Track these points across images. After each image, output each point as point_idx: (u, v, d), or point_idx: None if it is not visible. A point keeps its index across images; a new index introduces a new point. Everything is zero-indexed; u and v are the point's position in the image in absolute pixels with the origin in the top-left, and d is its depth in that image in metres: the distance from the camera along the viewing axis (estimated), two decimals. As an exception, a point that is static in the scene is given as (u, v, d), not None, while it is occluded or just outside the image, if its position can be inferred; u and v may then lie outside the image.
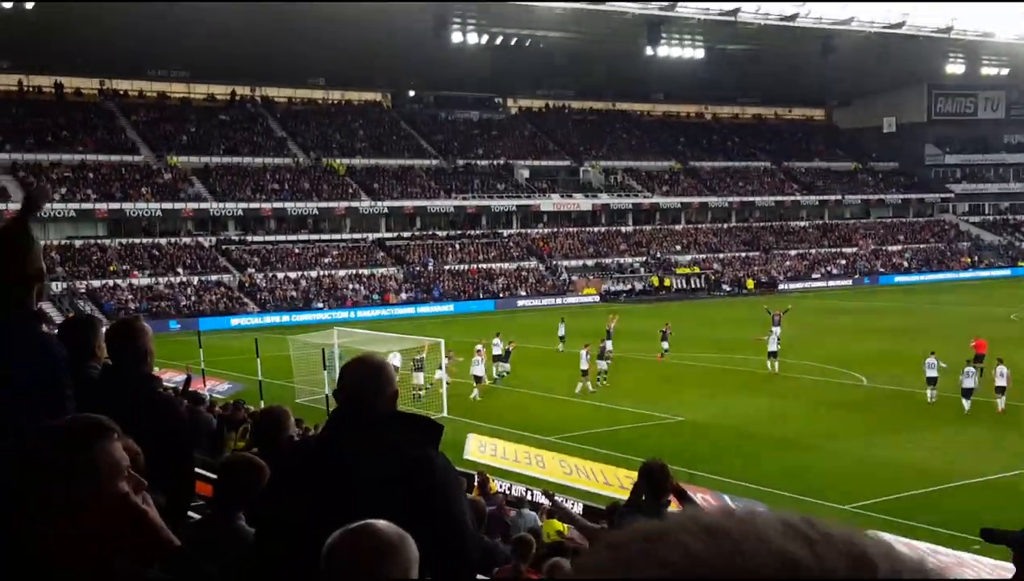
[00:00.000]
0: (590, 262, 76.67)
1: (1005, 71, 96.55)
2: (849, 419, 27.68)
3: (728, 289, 73.58)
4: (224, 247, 67.88)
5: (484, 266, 72.36)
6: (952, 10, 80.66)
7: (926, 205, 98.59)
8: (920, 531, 17.49)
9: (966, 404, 27.81)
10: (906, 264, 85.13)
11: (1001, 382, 27.57)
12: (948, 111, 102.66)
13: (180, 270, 63.80)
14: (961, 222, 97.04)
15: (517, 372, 36.41)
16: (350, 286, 66.18)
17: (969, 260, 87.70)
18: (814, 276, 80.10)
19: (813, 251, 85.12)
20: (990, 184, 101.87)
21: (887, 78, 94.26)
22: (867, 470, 22.22)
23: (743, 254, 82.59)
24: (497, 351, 35.32)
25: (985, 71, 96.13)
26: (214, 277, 63.89)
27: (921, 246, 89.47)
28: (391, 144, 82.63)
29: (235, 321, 58.48)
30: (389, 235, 74.33)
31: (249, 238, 69.62)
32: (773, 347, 35.07)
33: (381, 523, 2.21)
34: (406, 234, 74.95)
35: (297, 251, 68.88)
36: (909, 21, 79.92)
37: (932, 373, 29.04)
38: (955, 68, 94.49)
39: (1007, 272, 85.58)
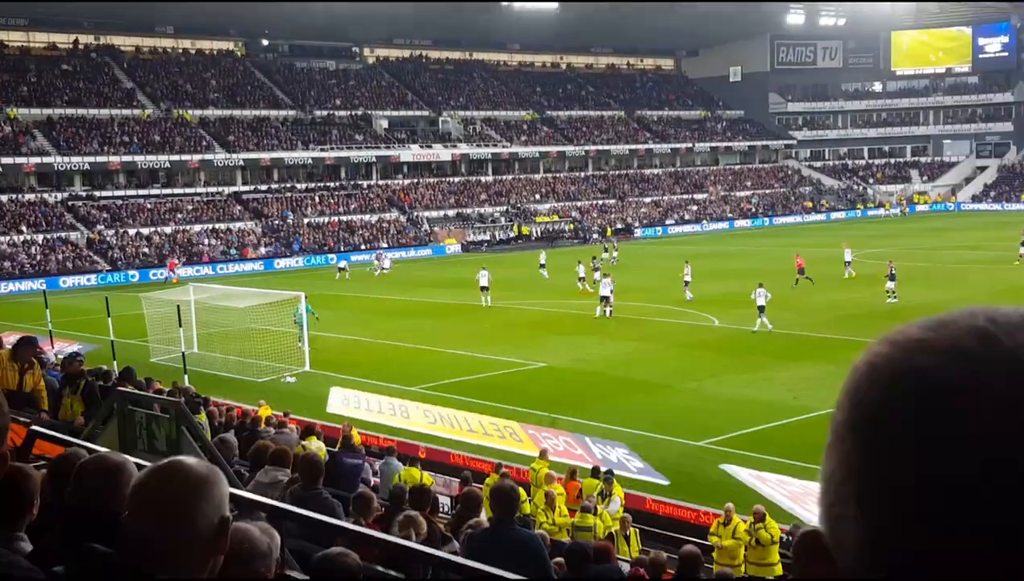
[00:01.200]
0: (451, 212, 77.01)
1: (842, 21, 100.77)
2: (702, 359, 29.00)
3: (597, 236, 74.97)
4: (71, 203, 65.31)
5: (344, 218, 71.83)
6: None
7: (771, 151, 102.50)
8: (769, 463, 18.70)
9: (761, 322, 32.08)
10: (753, 208, 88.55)
11: (761, 302, 32.04)
12: (790, 60, 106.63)
13: (24, 228, 61.16)
14: (803, 167, 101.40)
15: (384, 324, 36.69)
16: (206, 241, 64.77)
17: (810, 204, 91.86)
18: (668, 222, 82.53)
19: (666, 198, 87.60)
20: (830, 130, 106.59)
21: (732, 28, 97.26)
22: (719, 407, 23.42)
23: (600, 202, 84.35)
24: (605, 291, 36.56)
25: (823, 22, 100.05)
26: (61, 235, 61.53)
27: (767, 191, 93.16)
28: (245, 94, 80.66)
29: (85, 279, 56.63)
30: (246, 188, 72.88)
31: (97, 194, 67.15)
32: (605, 292, 36.48)
33: (190, 459, 2.16)
34: (263, 187, 73.62)
35: (149, 206, 66.88)
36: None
37: (761, 302, 32.25)
38: (796, 19, 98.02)
39: (844, 214, 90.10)
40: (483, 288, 40.38)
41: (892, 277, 36.63)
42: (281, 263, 63.82)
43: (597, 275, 41.70)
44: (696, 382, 26.12)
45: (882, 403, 0.73)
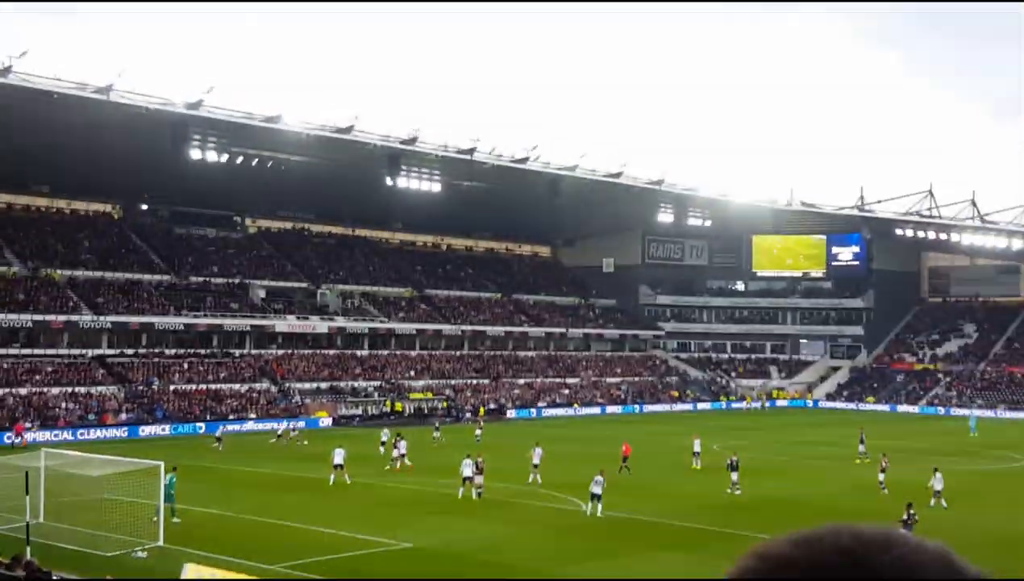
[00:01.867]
0: (324, 384, 76.31)
1: (708, 222, 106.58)
2: (572, 544, 29.10)
3: (470, 415, 75.10)
4: (-79, 358, 62.34)
5: (213, 387, 70.35)
6: (664, 164, 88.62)
7: (640, 340, 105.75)
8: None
9: (589, 507, 32.91)
10: (623, 395, 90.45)
11: (596, 489, 32.84)
12: (660, 255, 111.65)
13: None
14: (670, 358, 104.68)
15: (248, 498, 35.70)
16: (63, 404, 62.33)
17: (677, 393, 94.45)
18: (540, 404, 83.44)
19: (539, 380, 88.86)
20: (695, 323, 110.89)
21: (607, 222, 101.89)
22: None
23: (474, 381, 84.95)
24: (467, 472, 36.63)
25: (691, 221, 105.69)
26: (-94, 390, 58.41)
27: (636, 379, 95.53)
28: (119, 257, 79.52)
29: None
30: (111, 351, 70.92)
31: (-49, 349, 64.34)
32: (467, 472, 36.79)
33: None
34: (130, 351, 71.79)
35: (6, 367, 64.28)
36: (626, 172, 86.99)
37: (596, 489, 33.01)
38: (665, 217, 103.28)
39: (708, 405, 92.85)
40: (337, 466, 39.96)
41: (734, 467, 37.88)
42: (146, 430, 61.74)
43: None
44: (565, 567, 26.13)
45: None
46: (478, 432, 57.96)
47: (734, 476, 37.73)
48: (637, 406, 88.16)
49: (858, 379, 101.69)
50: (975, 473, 46.95)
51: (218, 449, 51.85)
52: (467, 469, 36.78)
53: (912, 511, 29.13)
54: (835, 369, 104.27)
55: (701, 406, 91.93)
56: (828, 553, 0.73)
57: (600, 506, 32.97)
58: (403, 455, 44.56)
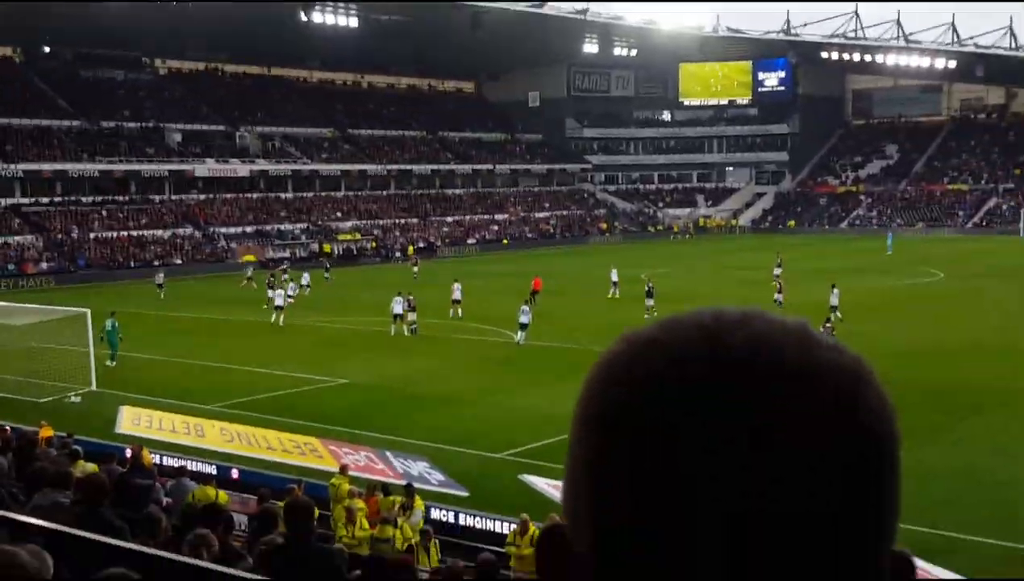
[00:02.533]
0: (249, 229, 75.23)
1: (634, 52, 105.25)
2: (503, 374, 29.60)
3: (399, 255, 74.86)
4: None
5: (135, 233, 68.89)
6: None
7: (568, 175, 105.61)
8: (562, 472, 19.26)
9: (520, 336, 33.75)
10: (552, 229, 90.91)
11: (524, 319, 33.92)
12: (586, 87, 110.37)
13: None
14: (598, 191, 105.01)
15: (179, 342, 35.49)
16: (-20, 256, 60.71)
17: (605, 225, 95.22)
18: (469, 241, 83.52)
19: (468, 217, 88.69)
20: (623, 156, 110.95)
21: (531, 55, 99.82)
22: (519, 419, 23.95)
23: (402, 220, 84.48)
24: (397, 309, 36.64)
25: (617, 51, 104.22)
26: None
27: (564, 213, 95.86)
28: (25, 103, 76.05)
29: None
30: (26, 201, 68.74)
31: None
32: (397, 310, 36.98)
33: (18, 552, 2.07)
34: (45, 200, 69.64)
35: (-84, 219, 62.10)
36: (550, 2, 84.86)
37: (523, 319, 33.93)
38: (591, 48, 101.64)
39: (637, 236, 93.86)
40: (277, 307, 39.98)
41: (649, 294, 39.17)
42: (69, 278, 60.48)
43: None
44: (495, 396, 26.62)
45: (612, 399, 0.77)
46: (415, 270, 57.83)
47: (649, 302, 38.88)
48: (565, 239, 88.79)
49: (782, 204, 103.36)
50: (888, 289, 48.45)
51: (252, 286, 52.17)
52: (397, 306, 36.94)
53: (829, 324, 29.98)
54: (760, 195, 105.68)
55: (629, 237, 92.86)
56: (686, 331, 0.75)
57: (525, 334, 33.69)
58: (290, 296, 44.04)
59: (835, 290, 37.87)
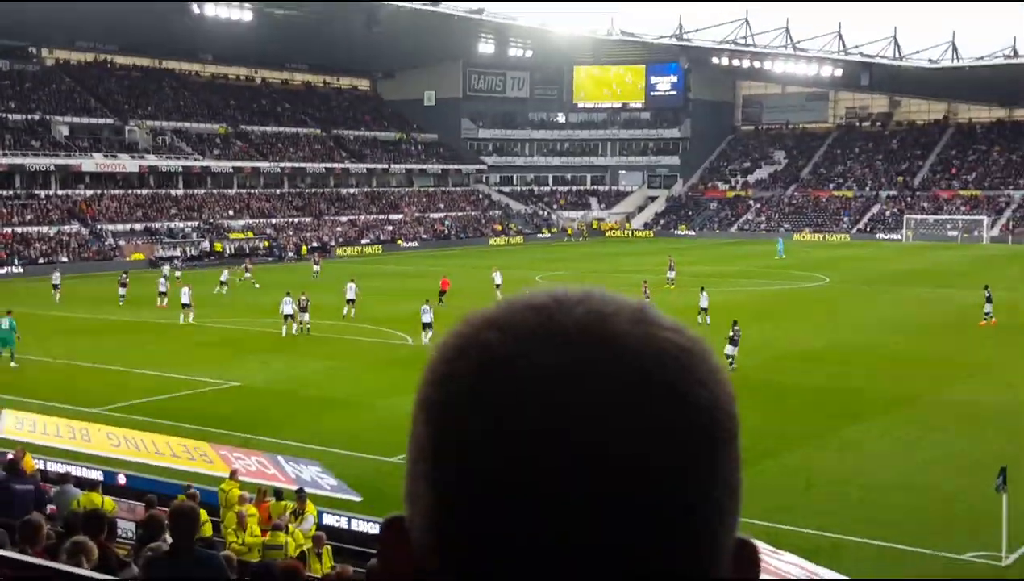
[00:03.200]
0: (139, 226, 73.47)
1: (529, 53, 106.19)
2: (396, 376, 29.65)
3: (293, 255, 74.11)
4: None
5: (19, 230, 66.64)
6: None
7: (463, 175, 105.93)
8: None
9: (425, 337, 34.36)
10: (446, 230, 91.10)
11: (426, 319, 34.64)
12: (481, 88, 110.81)
13: None
14: (493, 192, 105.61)
15: (63, 343, 34.62)
16: None
17: (500, 227, 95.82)
18: (363, 241, 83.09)
19: (363, 217, 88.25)
20: (517, 157, 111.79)
21: (427, 54, 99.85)
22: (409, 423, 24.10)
23: (296, 219, 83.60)
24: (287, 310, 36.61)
25: (512, 52, 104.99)
26: None
27: (459, 214, 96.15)
28: (-102, 91, 72.90)
29: None
30: (-101, 195, 65.91)
31: None
32: (287, 310, 36.94)
33: None
34: (-79, 194, 66.91)
35: None
36: (445, 1, 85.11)
37: (426, 318, 34.71)
38: (486, 48, 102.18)
39: (532, 238, 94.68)
40: (185, 305, 39.59)
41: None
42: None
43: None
44: (390, 399, 26.71)
45: (446, 377, 0.78)
46: (316, 269, 57.33)
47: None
48: (459, 240, 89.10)
49: (674, 208, 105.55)
50: (775, 293, 50.12)
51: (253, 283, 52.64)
52: (287, 307, 36.79)
53: (737, 327, 30.39)
54: (652, 198, 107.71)
55: (523, 239, 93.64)
56: (523, 310, 0.76)
57: (431, 333, 33.99)
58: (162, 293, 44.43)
59: (704, 293, 39.16)
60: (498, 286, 46.18)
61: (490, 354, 0.75)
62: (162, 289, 44.91)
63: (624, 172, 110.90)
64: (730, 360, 29.19)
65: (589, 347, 0.73)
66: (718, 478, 0.77)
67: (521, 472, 0.72)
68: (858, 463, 21.15)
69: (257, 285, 52.82)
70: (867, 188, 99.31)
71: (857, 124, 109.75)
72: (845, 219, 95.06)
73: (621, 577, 0.73)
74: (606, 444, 0.71)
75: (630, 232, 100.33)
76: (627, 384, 0.72)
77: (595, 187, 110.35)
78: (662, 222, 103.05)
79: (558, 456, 0.71)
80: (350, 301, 40.87)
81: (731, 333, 29.74)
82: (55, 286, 48.59)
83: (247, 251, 72.12)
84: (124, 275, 48.99)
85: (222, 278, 50.27)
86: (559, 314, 0.75)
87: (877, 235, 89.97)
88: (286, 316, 36.69)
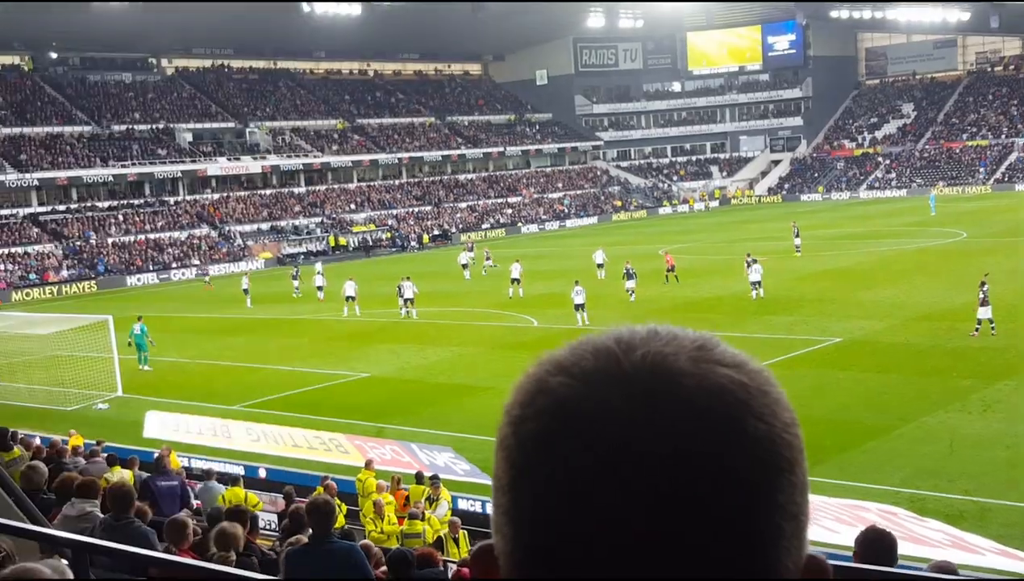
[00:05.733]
0: (264, 225, 75.39)
1: (640, 23, 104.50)
2: (522, 360, 29.42)
3: (415, 245, 74.94)
4: None
5: (152, 236, 69.18)
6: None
7: (580, 153, 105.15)
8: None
9: (580, 317, 33.50)
10: (565, 209, 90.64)
11: (579, 299, 33.56)
12: (593, 63, 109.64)
13: None
14: (611, 168, 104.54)
15: (201, 343, 35.63)
16: (2, 266, 61.08)
17: (620, 202, 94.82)
18: (484, 226, 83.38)
19: (482, 202, 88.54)
20: (634, 130, 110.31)
21: (536, 32, 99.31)
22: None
23: (416, 209, 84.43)
24: (408, 294, 37.25)
25: (622, 24, 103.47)
26: None
27: (578, 192, 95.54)
28: (36, 110, 76.45)
29: None
30: (43, 209, 69.12)
31: None
32: (409, 295, 37.42)
33: (38, 567, 2.07)
34: (61, 207, 70.01)
35: (-65, 233, 62.54)
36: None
37: (579, 299, 33.59)
38: (596, 21, 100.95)
39: (654, 211, 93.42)
40: (348, 297, 39.69)
41: (630, 276, 37.56)
42: (86, 286, 60.92)
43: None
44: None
45: (521, 419, 0.82)
46: (487, 262, 52.90)
47: (629, 284, 37.40)
48: (580, 219, 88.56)
49: (799, 171, 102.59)
50: (913, 252, 47.88)
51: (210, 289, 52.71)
52: (408, 291, 37.46)
53: (986, 286, 27.31)
54: (776, 163, 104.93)
55: (644, 213, 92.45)
56: (588, 354, 0.80)
57: (585, 315, 33.49)
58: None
59: (756, 265, 36.33)
60: (600, 265, 45.03)
61: (557, 398, 0.80)
62: (319, 283, 45.49)
63: (745, 137, 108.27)
64: (989, 323, 27.02)
65: (648, 389, 0.77)
66: (777, 505, 0.81)
67: (586, 509, 0.77)
68: (1003, 424, 19.94)
69: (496, 266, 51.15)
70: (1003, 136, 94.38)
71: (989, 69, 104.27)
72: (981, 170, 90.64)
73: None
74: (663, 481, 0.76)
75: (755, 198, 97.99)
76: (685, 421, 0.76)
77: (715, 155, 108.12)
78: (787, 186, 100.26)
79: (619, 493, 0.76)
80: (515, 281, 40.70)
81: (980, 294, 27.24)
82: (245, 291, 46.10)
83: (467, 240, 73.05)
84: (296, 270, 50.27)
85: (462, 261, 50.27)
86: (623, 357, 0.79)
87: (1017, 186, 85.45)
88: (406, 299, 37.28)
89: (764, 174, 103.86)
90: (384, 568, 9.41)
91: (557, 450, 0.78)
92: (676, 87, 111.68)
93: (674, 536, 0.77)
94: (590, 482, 0.77)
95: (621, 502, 0.76)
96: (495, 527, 0.87)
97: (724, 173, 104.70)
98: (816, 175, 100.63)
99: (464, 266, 49.87)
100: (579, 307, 33.54)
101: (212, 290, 53.04)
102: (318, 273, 47.43)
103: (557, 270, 47.49)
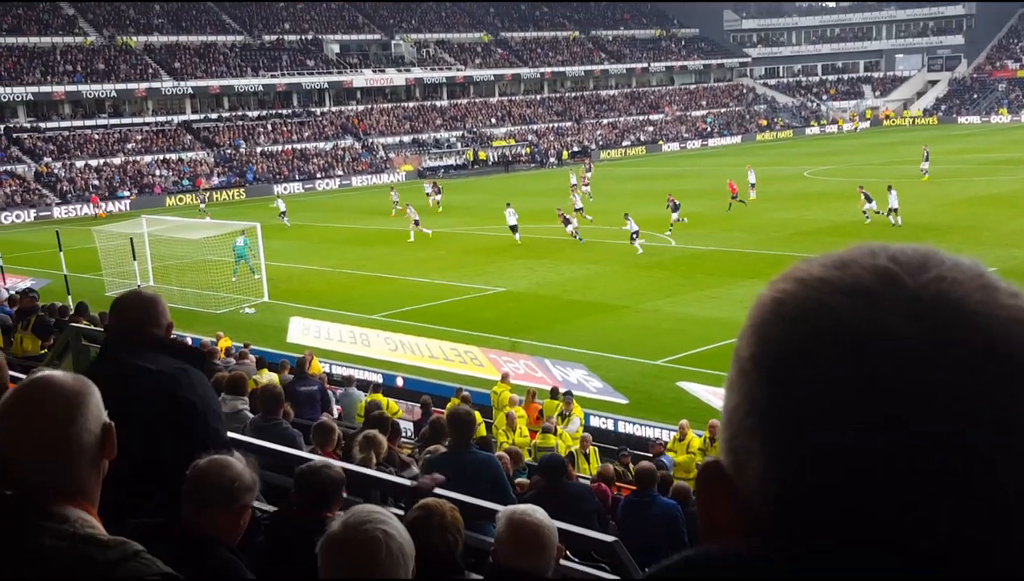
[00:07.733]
0: (407, 138, 76.29)
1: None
2: (658, 279, 29.25)
3: (554, 161, 74.62)
4: (15, 135, 63.86)
5: (298, 146, 70.94)
6: None
7: (726, 70, 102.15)
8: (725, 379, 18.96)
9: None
10: (709, 128, 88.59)
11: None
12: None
13: (-32, 163, 59.85)
14: (758, 85, 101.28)
15: (341, 253, 36.56)
16: (157, 172, 63.78)
17: (765, 122, 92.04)
18: (624, 143, 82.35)
19: (623, 119, 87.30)
20: (783, 47, 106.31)
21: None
22: (676, 326, 23.70)
23: (556, 124, 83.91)
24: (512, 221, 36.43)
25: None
26: (6, 168, 60.27)
27: (722, 110, 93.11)
28: (191, 19, 78.71)
29: (33, 213, 55.81)
30: (196, 117, 71.60)
31: (42, 125, 65.68)
32: (512, 222, 36.54)
33: (57, 374, 2.05)
34: (213, 115, 72.36)
35: (97, 137, 65.58)
36: None
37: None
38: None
39: (802, 131, 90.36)
40: (512, 227, 37.56)
41: (675, 208, 36.64)
42: (234, 193, 63.15)
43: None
44: (653, 302, 26.37)
45: (788, 339, 0.75)
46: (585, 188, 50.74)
47: (674, 216, 36.45)
48: (723, 138, 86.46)
49: (957, 92, 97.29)
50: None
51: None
52: (512, 218, 36.59)
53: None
54: (933, 83, 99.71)
55: (791, 133, 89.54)
56: (866, 274, 0.74)
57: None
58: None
59: (892, 192, 34.87)
60: (752, 185, 44.16)
61: (840, 321, 0.73)
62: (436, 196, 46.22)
63: (901, 56, 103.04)
64: None
65: (943, 319, 0.71)
66: None
67: (872, 451, 0.71)
68: None
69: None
70: None
71: None
72: None
73: (962, 566, 0.72)
74: (963, 429, 0.70)
75: (910, 120, 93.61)
76: (978, 358, 0.70)
77: (868, 74, 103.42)
78: (943, 108, 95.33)
79: (913, 437, 0.70)
80: (512, 227, 37.51)
81: None
82: (433, 197, 48.43)
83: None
84: (433, 185, 50.01)
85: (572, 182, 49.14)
86: (907, 279, 0.73)
87: None
88: (511, 226, 36.47)
89: (920, 95, 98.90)
90: (536, 477, 9.61)
91: (842, 383, 0.71)
92: (830, 3, 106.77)
93: (959, 487, 0.70)
94: (878, 422, 0.70)
95: (915, 447, 0.70)
96: (733, 446, 0.80)
97: (877, 93, 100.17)
98: (976, 96, 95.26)
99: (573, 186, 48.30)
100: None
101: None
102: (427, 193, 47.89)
103: (698, 190, 46.63)
